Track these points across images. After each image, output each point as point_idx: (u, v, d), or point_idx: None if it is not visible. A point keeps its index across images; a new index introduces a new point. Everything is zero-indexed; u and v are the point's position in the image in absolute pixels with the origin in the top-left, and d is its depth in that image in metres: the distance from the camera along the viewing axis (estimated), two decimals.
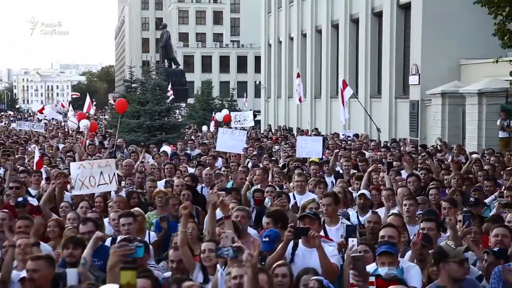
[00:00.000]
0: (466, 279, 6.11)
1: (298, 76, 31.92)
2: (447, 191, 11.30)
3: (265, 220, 8.47)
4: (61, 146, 20.87)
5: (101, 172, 11.12)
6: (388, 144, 21.73)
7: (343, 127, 30.81)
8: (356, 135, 26.13)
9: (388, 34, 31.06)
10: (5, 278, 6.56)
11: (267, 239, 7.32)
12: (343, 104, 24.57)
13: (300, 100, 31.27)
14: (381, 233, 7.04)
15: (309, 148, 15.88)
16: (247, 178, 12.12)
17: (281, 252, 6.97)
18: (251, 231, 8.65)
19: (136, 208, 9.39)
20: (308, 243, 7.01)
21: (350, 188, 11.84)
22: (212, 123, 29.66)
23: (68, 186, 12.07)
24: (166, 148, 19.28)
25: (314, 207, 8.68)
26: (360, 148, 19.82)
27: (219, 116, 29.95)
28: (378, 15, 32.96)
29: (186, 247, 7.11)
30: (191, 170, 14.47)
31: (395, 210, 9.44)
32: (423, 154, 16.38)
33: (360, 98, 30.47)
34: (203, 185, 12.75)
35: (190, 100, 52.17)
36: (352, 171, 14.04)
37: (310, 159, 15.23)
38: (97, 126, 29.61)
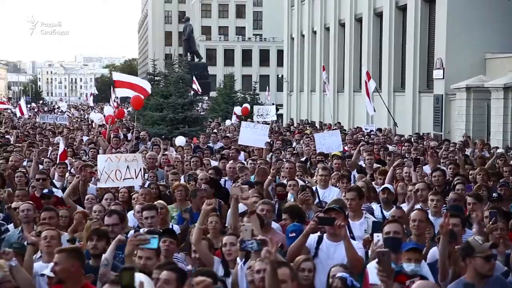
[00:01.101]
0: (493, 275, 6.05)
1: (324, 69, 31.80)
2: (472, 186, 11.19)
3: (283, 216, 8.47)
4: (85, 138, 21.05)
5: (128, 167, 11.19)
6: (412, 139, 21.58)
7: (367, 121, 30.73)
8: (379, 129, 26.00)
9: (412, 28, 30.82)
10: (28, 272, 6.62)
11: (293, 234, 7.31)
12: (368, 96, 24.38)
13: (325, 92, 31.16)
14: (386, 228, 6.95)
15: (328, 143, 15.82)
16: (270, 172, 12.10)
17: (302, 240, 6.95)
18: (274, 225, 8.65)
19: (160, 201, 9.43)
20: (333, 237, 6.99)
21: (373, 183, 11.78)
22: (234, 117, 29.71)
23: (93, 178, 12.16)
24: (181, 141, 19.25)
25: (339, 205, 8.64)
26: (384, 142, 19.72)
27: (238, 109, 30.01)
28: (402, 9, 32.73)
29: (201, 243, 7.11)
30: (214, 163, 14.50)
31: (418, 206, 9.36)
32: (450, 148, 16.25)
33: (383, 92, 30.32)
34: (226, 178, 12.76)
35: (213, 94, 52.25)
36: (375, 165, 13.96)
37: (333, 153, 15.18)
38: (124, 113, 29.72)
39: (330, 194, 10.77)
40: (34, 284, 6.65)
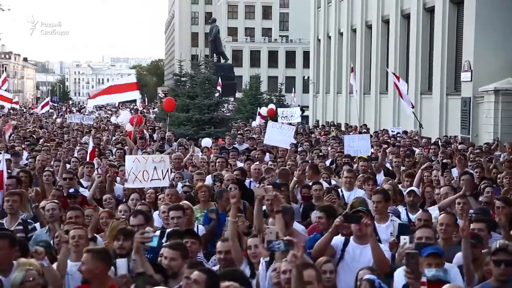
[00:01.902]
0: None
1: (352, 70, 31.59)
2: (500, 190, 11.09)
3: (317, 214, 8.40)
4: (113, 138, 21.23)
5: (155, 167, 11.22)
6: (439, 142, 21.39)
7: (393, 123, 30.54)
8: (405, 132, 25.83)
9: (439, 30, 30.58)
10: (61, 271, 6.68)
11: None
12: (401, 96, 24.04)
13: (353, 93, 31.01)
14: (418, 234, 6.92)
15: (357, 146, 15.77)
16: (296, 173, 12.08)
17: (328, 238, 6.98)
18: (298, 226, 8.62)
19: (185, 201, 9.46)
20: (360, 240, 6.97)
21: (400, 186, 11.70)
22: (258, 118, 29.69)
23: (118, 178, 12.23)
24: (206, 142, 19.30)
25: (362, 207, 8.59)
26: (410, 145, 19.58)
27: (264, 110, 30.00)
28: (430, 10, 32.48)
29: (236, 239, 7.11)
30: (239, 164, 14.50)
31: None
32: (476, 151, 16.10)
33: (410, 94, 30.05)
34: (251, 179, 12.76)
35: (239, 95, 52.29)
36: (402, 168, 13.88)
37: (359, 155, 15.12)
38: (142, 120, 29.94)
39: (356, 196, 10.71)
40: (64, 283, 6.70)
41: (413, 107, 24.14)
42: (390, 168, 14.26)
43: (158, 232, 8.32)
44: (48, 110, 45.17)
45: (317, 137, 23.57)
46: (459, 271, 6.45)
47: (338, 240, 7.07)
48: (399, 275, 6.10)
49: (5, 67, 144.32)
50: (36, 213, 9.29)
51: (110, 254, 6.44)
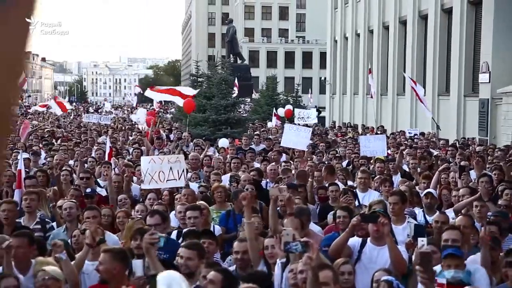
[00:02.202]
0: None
1: (370, 72, 31.53)
2: None
3: (339, 213, 8.37)
4: (130, 138, 21.31)
5: (171, 168, 11.22)
6: (457, 144, 21.28)
7: (410, 125, 30.39)
8: (422, 134, 25.73)
9: (457, 31, 30.43)
10: (78, 267, 6.72)
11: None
12: (420, 100, 23.93)
13: (371, 96, 30.93)
14: (445, 235, 6.88)
15: (373, 147, 15.72)
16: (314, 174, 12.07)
17: (345, 238, 6.99)
18: (315, 227, 8.62)
19: (202, 202, 9.47)
20: (377, 241, 6.95)
21: (417, 187, 11.66)
22: (274, 119, 29.69)
23: (135, 178, 12.26)
24: (223, 142, 19.32)
25: (380, 208, 8.56)
26: (427, 146, 19.49)
27: (281, 111, 29.99)
28: (448, 11, 32.33)
29: (253, 240, 7.11)
30: (256, 165, 14.50)
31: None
32: (496, 153, 16.00)
33: (427, 96, 29.94)
34: (267, 180, 12.76)
35: (255, 95, 52.31)
36: (419, 170, 13.82)
37: (376, 157, 15.07)
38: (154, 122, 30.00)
39: (370, 197, 10.70)
40: (80, 282, 6.74)
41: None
42: (407, 169, 14.21)
43: (174, 232, 8.37)
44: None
45: (333, 138, 23.52)
46: (486, 273, 6.39)
47: (355, 241, 7.07)
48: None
49: None
50: (53, 212, 9.35)
51: (128, 254, 6.46)
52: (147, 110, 31.20)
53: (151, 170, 11.23)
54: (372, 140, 16.28)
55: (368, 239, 7.04)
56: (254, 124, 30.52)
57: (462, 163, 13.94)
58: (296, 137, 16.57)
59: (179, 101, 18.73)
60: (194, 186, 11.43)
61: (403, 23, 37.91)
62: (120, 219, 8.76)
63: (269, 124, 30.47)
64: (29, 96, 59.77)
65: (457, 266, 6.11)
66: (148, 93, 20.96)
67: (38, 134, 22.39)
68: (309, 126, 21.40)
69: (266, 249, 6.88)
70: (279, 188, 8.11)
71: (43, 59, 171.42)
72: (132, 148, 17.63)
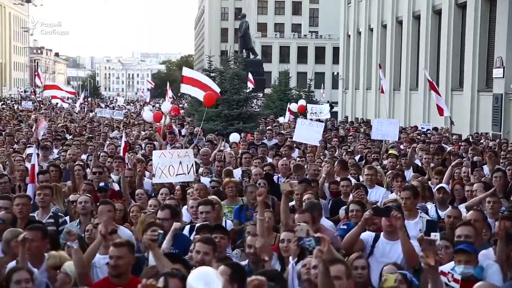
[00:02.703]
0: None
1: (380, 67, 31.37)
2: None
3: (352, 207, 8.37)
4: (143, 133, 21.37)
5: (180, 162, 11.33)
6: (470, 139, 21.17)
7: (423, 120, 30.27)
8: (435, 128, 25.62)
9: (472, 26, 30.24)
10: (89, 258, 6.75)
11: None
12: (439, 94, 23.60)
13: (382, 91, 30.81)
14: (458, 231, 6.87)
15: (385, 131, 15.63)
16: (324, 169, 12.06)
17: (358, 231, 7.02)
18: (326, 222, 8.62)
19: (214, 196, 9.49)
20: (390, 236, 6.96)
21: (429, 182, 11.62)
22: (288, 113, 29.64)
23: (147, 173, 12.30)
24: (235, 137, 19.30)
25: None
26: (440, 141, 19.41)
27: (294, 106, 29.93)
28: (462, 6, 32.15)
29: (265, 236, 7.13)
30: (268, 160, 14.50)
31: None
32: (509, 148, 15.91)
33: (440, 90, 29.77)
34: (279, 175, 12.76)
35: (267, 90, 52.27)
36: (432, 165, 13.76)
37: (389, 152, 15.03)
38: (178, 110, 29.98)
39: (377, 193, 10.69)
40: (92, 274, 6.77)
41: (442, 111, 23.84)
42: (420, 164, 14.17)
43: (187, 227, 8.40)
44: (81, 104, 45.80)
45: (344, 133, 23.42)
46: (499, 269, 6.36)
47: (368, 235, 7.08)
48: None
49: (37, 62, 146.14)
50: (67, 207, 9.40)
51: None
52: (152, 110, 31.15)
53: (162, 164, 11.33)
54: (385, 124, 16.17)
55: (381, 234, 7.05)
56: (266, 119, 30.53)
57: (475, 158, 13.90)
58: (308, 132, 16.50)
59: (199, 94, 18.44)
60: (205, 181, 11.45)
61: (417, 18, 37.74)
62: (134, 213, 8.81)
63: (281, 119, 30.43)
64: (42, 91, 59.96)
65: (467, 262, 6.10)
66: (185, 88, 20.69)
67: (52, 129, 22.47)
68: (321, 121, 21.31)
69: (282, 242, 6.89)
70: (290, 183, 8.11)
71: (56, 54, 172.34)
72: (144, 143, 17.67)
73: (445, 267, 5.98)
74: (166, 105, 25.16)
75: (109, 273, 6.22)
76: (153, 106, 49.83)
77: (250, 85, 34.10)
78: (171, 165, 11.33)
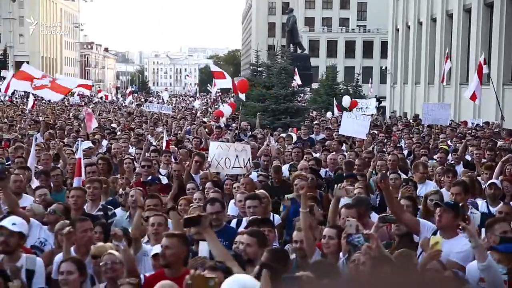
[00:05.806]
0: None
1: (447, 59, 30.50)
2: None
3: (403, 202, 8.29)
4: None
5: (237, 156, 11.57)
6: None
7: (473, 115, 29.77)
8: (487, 123, 25.13)
9: None
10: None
11: None
12: (480, 80, 23.05)
13: (442, 80, 30.16)
14: (497, 227, 6.69)
15: (435, 115, 15.30)
16: (371, 164, 11.98)
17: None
18: (376, 217, 8.54)
19: (261, 191, 9.49)
20: (445, 234, 6.85)
21: (479, 178, 11.41)
22: (336, 109, 29.43)
23: (206, 165, 12.26)
24: (292, 133, 19.31)
25: (436, 199, 8.40)
26: (490, 136, 19.03)
27: (345, 102, 29.69)
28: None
29: (308, 230, 7.08)
30: (315, 155, 14.45)
31: None
32: None
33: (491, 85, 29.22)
34: (327, 169, 12.71)
35: (315, 85, 52.11)
36: (483, 160, 13.51)
37: (440, 146, 14.81)
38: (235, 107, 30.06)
39: (427, 189, 10.55)
40: (140, 264, 6.86)
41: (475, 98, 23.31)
42: (470, 160, 13.93)
43: (234, 221, 8.44)
44: (131, 100, 46.41)
45: (390, 128, 23.12)
46: None
47: (427, 225, 7.03)
48: (472, 269, 5.97)
49: (87, 57, 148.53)
50: (123, 200, 9.47)
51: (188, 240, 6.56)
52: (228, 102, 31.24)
53: (218, 156, 11.53)
54: (436, 108, 15.81)
55: (438, 231, 6.91)
56: (315, 113, 30.43)
57: None
58: (354, 125, 16.37)
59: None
60: (252, 175, 11.49)
61: (468, 11, 37.08)
62: (182, 207, 8.88)
63: (328, 115, 30.27)
64: (93, 85, 60.96)
65: (499, 261, 5.92)
66: (219, 84, 20.74)
67: (101, 123, 22.81)
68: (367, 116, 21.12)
69: (324, 238, 6.84)
70: (346, 189, 8.04)
71: (106, 49, 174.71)
72: (192, 137, 17.79)
73: None
74: (227, 109, 24.96)
75: (160, 263, 6.30)
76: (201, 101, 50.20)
77: (297, 80, 33.94)
78: (228, 158, 11.57)
